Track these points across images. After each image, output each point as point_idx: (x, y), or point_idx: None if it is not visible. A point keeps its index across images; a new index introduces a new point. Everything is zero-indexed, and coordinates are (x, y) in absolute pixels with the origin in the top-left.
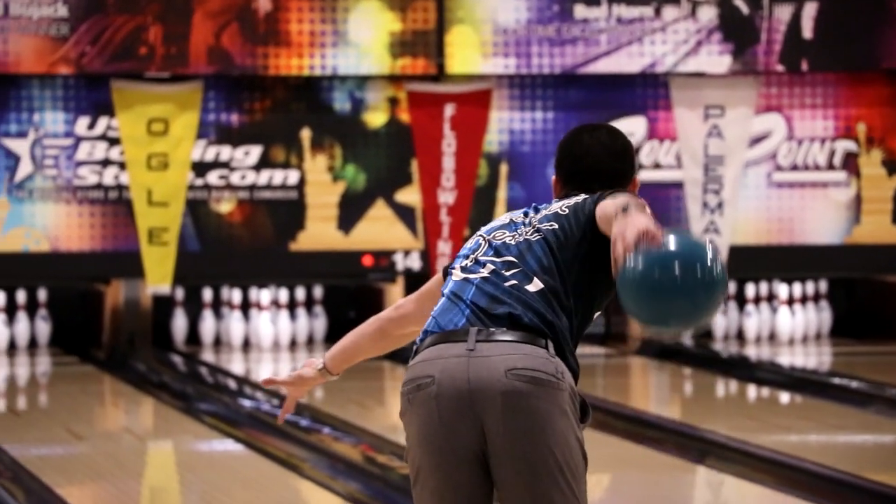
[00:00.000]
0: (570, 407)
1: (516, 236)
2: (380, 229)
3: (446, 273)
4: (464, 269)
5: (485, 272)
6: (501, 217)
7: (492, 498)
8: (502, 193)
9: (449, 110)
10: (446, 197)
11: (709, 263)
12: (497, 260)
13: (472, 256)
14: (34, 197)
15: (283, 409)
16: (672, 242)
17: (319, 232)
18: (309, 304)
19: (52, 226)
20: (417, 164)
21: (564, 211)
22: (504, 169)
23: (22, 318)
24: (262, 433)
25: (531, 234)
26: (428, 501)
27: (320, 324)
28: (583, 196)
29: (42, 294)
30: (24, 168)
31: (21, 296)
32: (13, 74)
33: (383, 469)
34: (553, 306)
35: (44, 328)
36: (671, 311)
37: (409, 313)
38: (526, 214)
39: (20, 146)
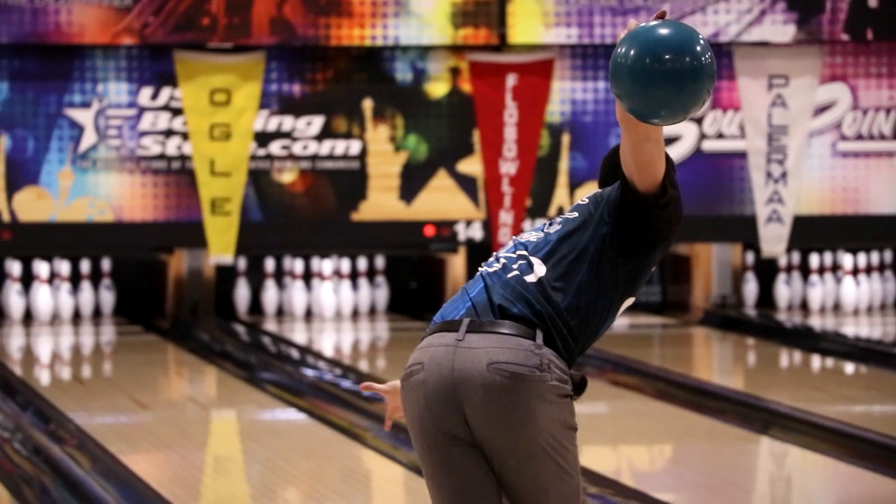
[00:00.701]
0: (554, 394)
1: (539, 234)
2: (442, 199)
3: None
4: (483, 265)
5: (496, 266)
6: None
7: (495, 479)
8: (564, 164)
9: (511, 80)
10: (508, 167)
11: (697, 50)
12: (512, 255)
13: (498, 254)
14: (98, 167)
15: (386, 418)
16: (661, 29)
17: (381, 202)
18: (371, 274)
19: (115, 196)
20: (479, 134)
21: (584, 201)
22: (566, 139)
23: (86, 288)
24: (324, 402)
25: (551, 227)
26: (430, 487)
27: (382, 294)
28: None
29: (106, 264)
30: (88, 138)
31: (85, 266)
32: (77, 45)
33: None
34: (548, 294)
35: (108, 298)
36: (661, 98)
37: None
38: (560, 214)
39: (84, 116)
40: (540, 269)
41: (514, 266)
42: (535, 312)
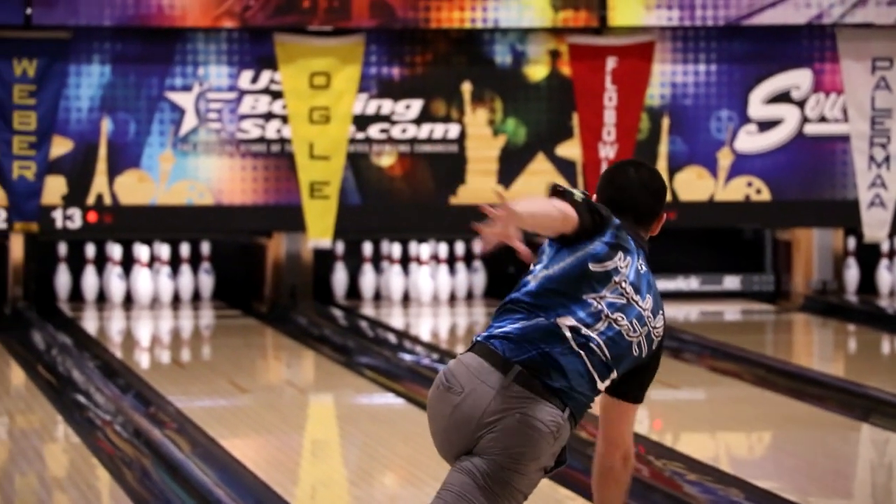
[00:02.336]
0: (550, 459)
1: (630, 342)
2: (540, 183)
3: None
4: (580, 322)
5: (583, 338)
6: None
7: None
8: (664, 147)
9: (611, 63)
10: (607, 151)
11: None
12: (600, 351)
13: (588, 329)
14: (198, 150)
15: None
16: None
17: (479, 186)
18: (468, 258)
19: (215, 179)
20: (578, 117)
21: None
22: (666, 122)
23: (185, 272)
24: (422, 387)
25: (636, 348)
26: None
27: (479, 279)
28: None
29: (205, 247)
30: (189, 122)
31: (185, 249)
32: (178, 28)
33: None
34: (595, 393)
35: (207, 281)
36: None
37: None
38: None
39: (185, 100)
40: (603, 384)
41: (591, 358)
42: (574, 395)
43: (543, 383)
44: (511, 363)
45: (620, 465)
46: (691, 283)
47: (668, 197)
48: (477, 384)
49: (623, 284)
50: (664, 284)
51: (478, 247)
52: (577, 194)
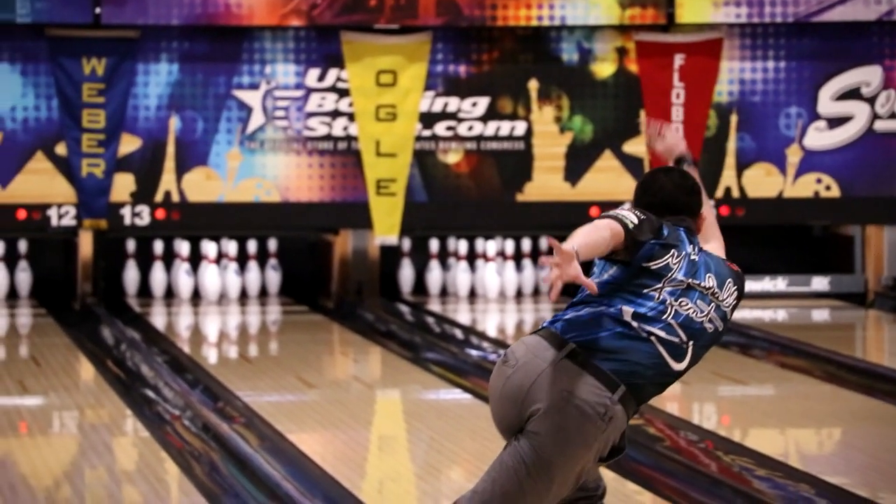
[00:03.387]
0: (598, 442)
1: (706, 318)
2: (607, 180)
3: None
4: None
5: (661, 329)
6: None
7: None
8: (732, 144)
9: (678, 60)
10: None
11: None
12: (678, 337)
13: (671, 320)
14: (265, 148)
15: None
16: None
17: (546, 183)
18: (535, 255)
19: (282, 176)
20: (645, 114)
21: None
22: (734, 119)
23: (253, 268)
24: (488, 383)
25: (707, 324)
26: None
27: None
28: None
29: (272, 244)
30: (256, 119)
31: (252, 246)
32: (246, 27)
33: None
34: (668, 382)
35: (274, 277)
36: None
37: None
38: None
39: (252, 98)
40: (680, 364)
41: (661, 342)
42: (633, 380)
43: (596, 363)
44: (566, 342)
45: None
46: (778, 285)
47: (737, 193)
48: (530, 358)
49: (678, 276)
50: (749, 286)
51: (550, 293)
52: (626, 217)
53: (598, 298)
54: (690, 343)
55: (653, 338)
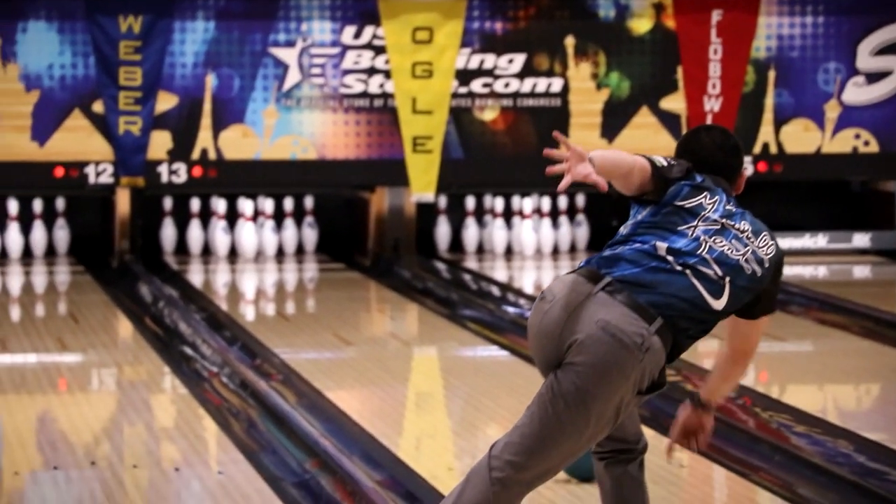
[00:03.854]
0: (635, 372)
1: (737, 255)
2: (644, 137)
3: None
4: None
5: (691, 260)
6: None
7: None
8: (769, 100)
9: (716, 16)
10: (712, 104)
11: None
12: (711, 269)
13: (697, 250)
14: (301, 105)
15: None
16: None
17: (582, 139)
18: (571, 211)
19: (318, 134)
20: (683, 70)
21: (764, 267)
22: (772, 75)
23: (289, 225)
24: (525, 339)
25: (745, 264)
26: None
27: (582, 231)
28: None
29: (309, 201)
30: (292, 77)
31: (289, 203)
32: None
33: None
34: (704, 318)
35: (310, 235)
36: None
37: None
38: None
39: (288, 55)
40: (717, 302)
41: (697, 277)
42: (669, 313)
43: (632, 296)
44: (602, 275)
45: (737, 357)
46: (819, 241)
47: (774, 149)
48: (567, 292)
49: (713, 216)
50: (789, 242)
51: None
52: (655, 157)
53: (632, 237)
54: (727, 280)
55: (688, 271)
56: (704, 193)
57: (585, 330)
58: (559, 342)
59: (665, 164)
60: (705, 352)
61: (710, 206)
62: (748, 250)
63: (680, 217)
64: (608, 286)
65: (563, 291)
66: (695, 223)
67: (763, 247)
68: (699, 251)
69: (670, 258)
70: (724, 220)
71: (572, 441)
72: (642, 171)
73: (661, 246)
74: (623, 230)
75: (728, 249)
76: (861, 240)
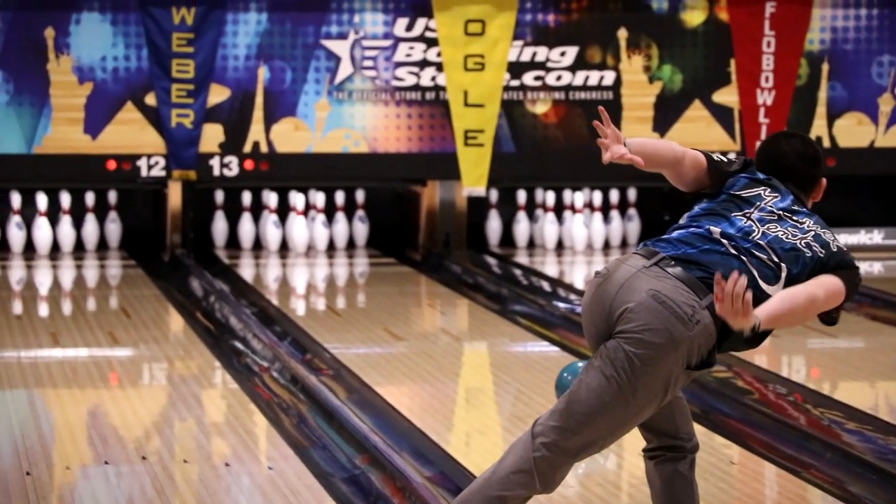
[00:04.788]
0: (686, 347)
1: (787, 241)
2: (696, 130)
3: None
4: (739, 222)
5: (744, 243)
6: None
7: None
8: (823, 94)
9: (769, 8)
10: (765, 97)
11: None
12: (764, 255)
13: (752, 231)
14: (353, 98)
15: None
16: None
17: (634, 132)
18: (622, 206)
19: (370, 127)
20: (735, 63)
21: (811, 247)
22: (825, 68)
23: (340, 219)
24: (576, 335)
25: (796, 250)
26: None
27: (634, 226)
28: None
29: (360, 195)
30: (344, 69)
31: (339, 197)
32: None
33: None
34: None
35: (361, 229)
36: None
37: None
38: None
39: (340, 48)
40: (773, 287)
41: (751, 260)
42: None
43: (686, 271)
44: (657, 252)
45: (806, 291)
46: (875, 237)
47: (827, 143)
48: (621, 266)
49: (771, 207)
50: (844, 238)
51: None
52: (711, 153)
53: (689, 224)
54: (783, 265)
55: (742, 255)
56: (763, 187)
57: (636, 298)
58: (610, 312)
59: (722, 159)
60: (757, 348)
61: (769, 198)
62: (808, 236)
63: (735, 205)
64: (662, 261)
65: (616, 266)
66: (751, 210)
67: (825, 233)
68: (752, 236)
69: (725, 241)
70: (781, 212)
71: (619, 410)
72: (695, 164)
73: (716, 230)
74: (682, 220)
75: (783, 234)
76: None
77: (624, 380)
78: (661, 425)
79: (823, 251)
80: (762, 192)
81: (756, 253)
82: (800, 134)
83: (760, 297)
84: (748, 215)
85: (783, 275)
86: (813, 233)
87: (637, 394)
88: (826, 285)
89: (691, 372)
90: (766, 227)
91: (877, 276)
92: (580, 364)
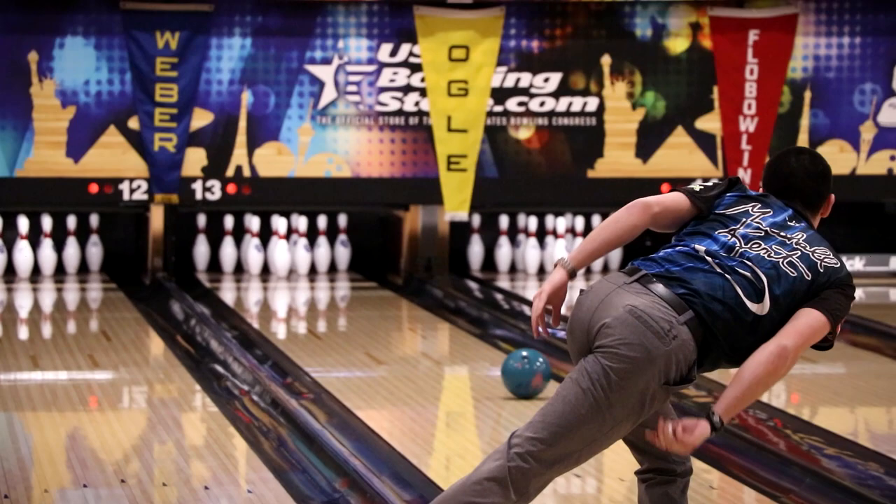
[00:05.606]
0: (663, 362)
1: (771, 257)
2: (679, 157)
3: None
4: (720, 237)
5: (721, 253)
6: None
7: None
8: (805, 121)
9: (752, 36)
10: (747, 124)
11: None
12: (743, 270)
13: (733, 246)
14: (336, 123)
15: (553, 321)
16: None
17: (618, 159)
18: None
19: (353, 151)
20: (718, 90)
21: (802, 272)
22: (808, 96)
23: (322, 243)
24: (557, 360)
25: (780, 266)
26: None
27: (615, 252)
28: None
29: (342, 219)
30: (328, 94)
31: (322, 221)
32: (319, 1)
33: (679, 397)
34: (736, 315)
35: (343, 253)
36: None
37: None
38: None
39: (324, 72)
40: (757, 306)
41: (735, 277)
42: (703, 310)
43: (666, 288)
44: (639, 269)
45: (770, 349)
46: (856, 264)
47: None
48: (602, 283)
49: (759, 223)
50: None
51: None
52: (691, 187)
53: (676, 243)
54: (765, 283)
55: (727, 273)
56: (753, 203)
57: (613, 314)
58: (589, 327)
59: (705, 185)
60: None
61: (757, 214)
62: (794, 254)
63: (720, 223)
64: (643, 278)
65: (598, 283)
66: (736, 227)
67: (820, 256)
68: (735, 253)
69: (709, 259)
70: (769, 228)
71: (594, 424)
72: (674, 207)
73: (700, 248)
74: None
75: (765, 253)
76: None
77: (600, 393)
78: (650, 446)
79: (810, 273)
80: (749, 208)
81: (740, 270)
82: (809, 150)
83: (741, 313)
84: (733, 232)
85: (767, 293)
86: (799, 252)
87: (613, 408)
88: (798, 329)
89: (670, 387)
90: (749, 244)
91: (858, 303)
92: (524, 353)
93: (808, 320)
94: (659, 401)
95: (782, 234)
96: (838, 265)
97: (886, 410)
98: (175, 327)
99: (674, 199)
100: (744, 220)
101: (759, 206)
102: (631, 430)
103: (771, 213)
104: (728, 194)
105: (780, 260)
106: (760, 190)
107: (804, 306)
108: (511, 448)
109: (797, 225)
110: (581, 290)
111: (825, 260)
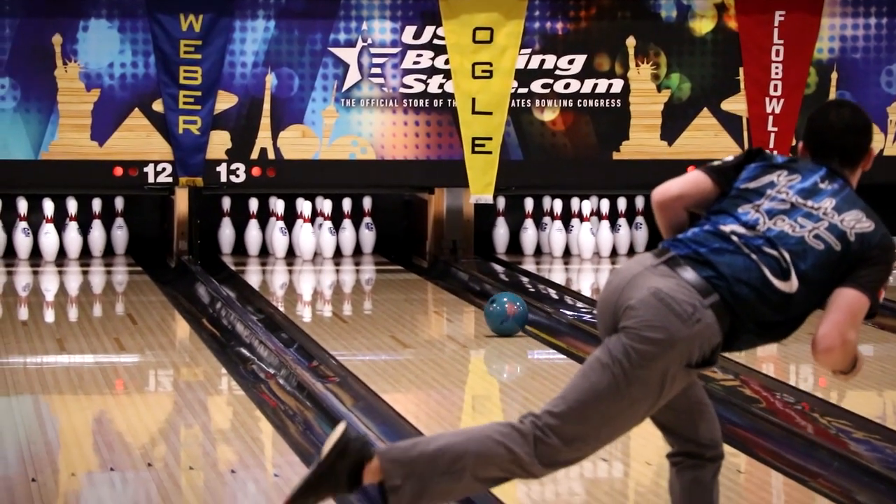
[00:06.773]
0: (685, 345)
1: (798, 230)
2: (704, 139)
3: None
4: (745, 215)
5: (749, 233)
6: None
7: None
8: None
9: (778, 17)
10: (773, 106)
11: None
12: (769, 248)
13: (758, 223)
14: (361, 105)
15: None
16: None
17: (643, 141)
18: (630, 214)
19: (377, 134)
20: (744, 72)
21: (835, 243)
22: (834, 77)
23: (347, 226)
24: (583, 343)
25: (806, 238)
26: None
27: (642, 234)
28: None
29: (367, 202)
30: (352, 77)
31: (347, 204)
32: None
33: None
34: (764, 296)
35: (368, 236)
36: None
37: None
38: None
39: (348, 55)
40: (785, 283)
41: (761, 257)
42: (728, 293)
43: (693, 271)
44: (668, 251)
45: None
46: None
47: None
48: (630, 264)
49: (782, 195)
50: None
51: None
52: (712, 165)
53: (703, 222)
54: (790, 261)
55: (752, 253)
56: (780, 171)
57: (637, 295)
58: (616, 308)
59: (725, 159)
60: (763, 356)
61: (782, 184)
62: (821, 225)
63: (744, 199)
64: (670, 260)
65: (626, 264)
66: (760, 201)
67: (850, 221)
68: (759, 230)
69: (735, 238)
70: (795, 199)
71: (613, 403)
72: (696, 187)
73: (725, 228)
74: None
75: (790, 228)
76: None
77: (619, 370)
78: (679, 428)
79: (839, 243)
80: (775, 178)
81: (765, 249)
82: (850, 103)
83: (768, 293)
84: (757, 207)
85: (793, 270)
86: (826, 223)
87: (632, 386)
88: (845, 314)
89: (692, 370)
90: (773, 220)
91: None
92: (505, 298)
93: (845, 303)
94: (680, 382)
95: (809, 202)
96: (872, 228)
97: None
98: (201, 310)
99: (694, 182)
100: (769, 192)
101: (786, 172)
102: (658, 411)
103: (799, 178)
104: (752, 164)
105: (806, 234)
106: (800, 146)
107: (840, 286)
108: (527, 418)
109: (828, 187)
110: (611, 271)
111: (857, 225)
